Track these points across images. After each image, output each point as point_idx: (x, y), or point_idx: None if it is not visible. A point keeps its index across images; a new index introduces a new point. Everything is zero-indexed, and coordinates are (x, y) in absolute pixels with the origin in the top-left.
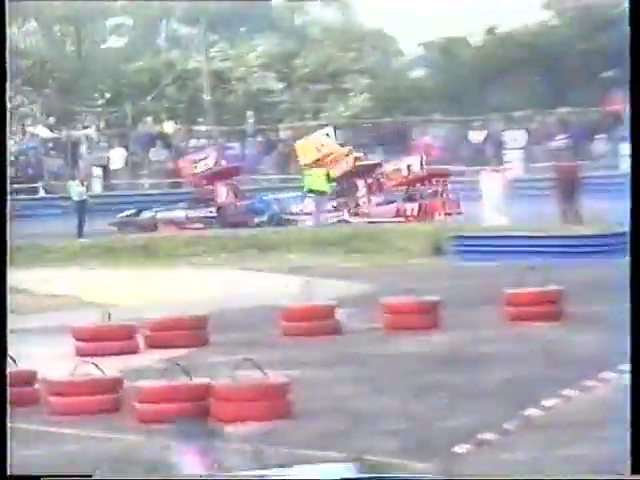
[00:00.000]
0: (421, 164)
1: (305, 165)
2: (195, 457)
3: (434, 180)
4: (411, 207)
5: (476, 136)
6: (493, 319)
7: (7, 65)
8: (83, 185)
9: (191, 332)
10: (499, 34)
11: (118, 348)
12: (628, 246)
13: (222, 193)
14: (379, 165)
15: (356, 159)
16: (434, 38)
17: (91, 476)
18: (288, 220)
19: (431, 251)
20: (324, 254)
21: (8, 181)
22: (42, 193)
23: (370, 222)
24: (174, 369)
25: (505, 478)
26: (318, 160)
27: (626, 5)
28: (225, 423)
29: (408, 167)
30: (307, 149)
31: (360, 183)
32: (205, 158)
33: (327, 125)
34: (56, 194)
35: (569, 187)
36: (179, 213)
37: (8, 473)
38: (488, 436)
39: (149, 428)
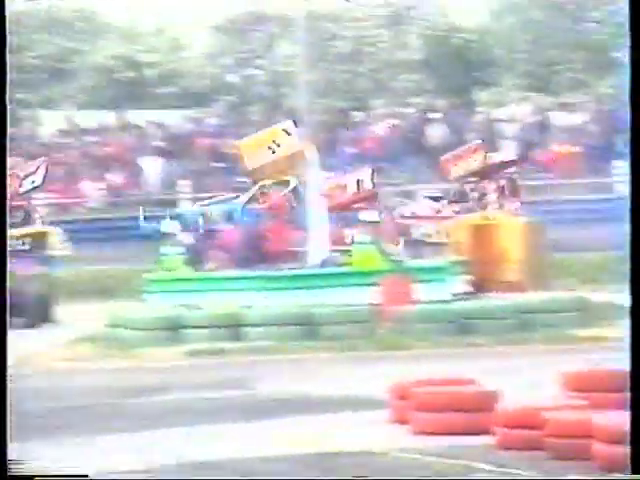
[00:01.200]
0: (372, 178)
1: (253, 170)
2: None
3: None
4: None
5: None
6: None
7: (7, 65)
8: None
9: None
10: None
11: None
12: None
13: None
14: (515, 162)
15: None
16: None
17: (87, 476)
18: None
19: None
20: None
21: (8, 181)
22: None
23: None
24: None
25: (504, 478)
26: (272, 165)
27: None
28: None
29: (358, 183)
30: (255, 148)
31: (490, 186)
32: None
33: None
34: None
35: None
36: None
37: (8, 473)
38: None
39: None
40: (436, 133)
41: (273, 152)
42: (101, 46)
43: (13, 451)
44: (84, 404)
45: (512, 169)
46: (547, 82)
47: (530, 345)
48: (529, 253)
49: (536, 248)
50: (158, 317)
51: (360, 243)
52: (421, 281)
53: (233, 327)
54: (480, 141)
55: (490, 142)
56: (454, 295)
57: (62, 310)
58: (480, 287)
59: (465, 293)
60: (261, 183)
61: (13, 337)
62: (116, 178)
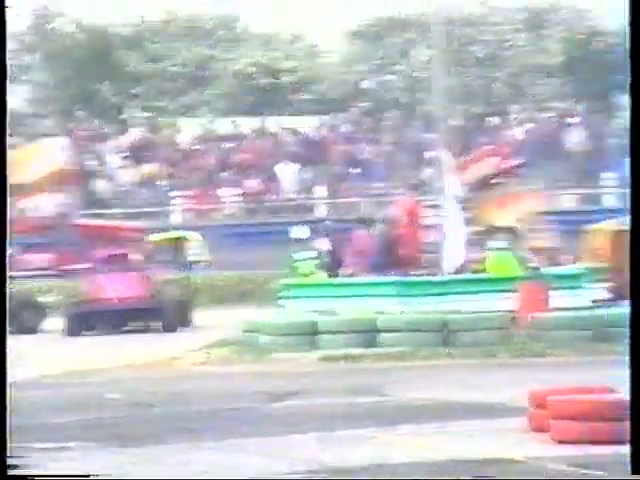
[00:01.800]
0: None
1: (21, 185)
2: None
3: None
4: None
5: None
6: None
7: (7, 64)
8: None
9: None
10: None
11: None
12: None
13: None
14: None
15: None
16: None
17: (89, 476)
18: None
19: None
20: None
21: (8, 180)
22: None
23: None
24: None
25: (502, 478)
26: (45, 180)
27: (626, 5)
28: None
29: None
30: (21, 164)
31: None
32: None
33: None
34: None
35: None
36: None
37: (8, 473)
38: None
39: None
40: (574, 138)
41: (37, 169)
42: (240, 53)
43: (160, 452)
44: (220, 408)
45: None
46: None
47: None
48: None
49: None
50: (293, 322)
51: (496, 249)
52: (558, 288)
53: (367, 333)
54: (492, 146)
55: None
56: (593, 302)
57: (200, 314)
58: (621, 294)
59: (605, 300)
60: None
61: (151, 340)
62: (253, 184)
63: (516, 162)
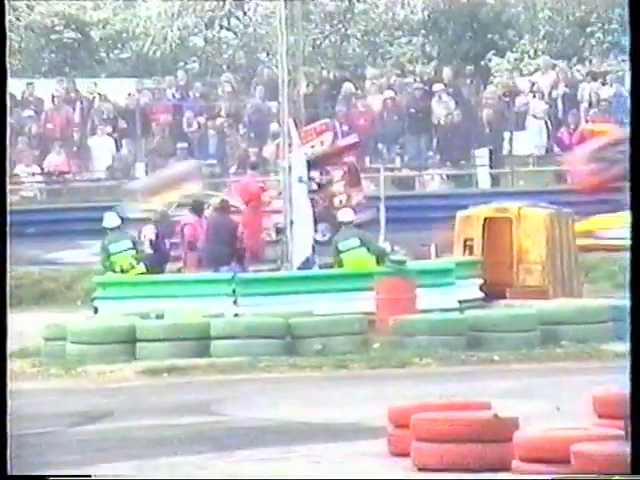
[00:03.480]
0: None
1: None
2: None
3: None
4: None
5: None
6: None
7: (7, 63)
8: None
9: None
10: None
11: None
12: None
13: None
14: (357, 146)
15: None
16: None
17: (90, 476)
18: None
19: None
20: None
21: (8, 179)
22: None
23: None
24: None
25: (510, 478)
26: None
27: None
28: None
29: None
30: None
31: (337, 172)
32: None
33: None
34: None
35: None
36: None
37: (8, 473)
38: None
39: None
40: (442, 108)
41: None
42: (37, 1)
43: None
44: (18, 433)
45: (352, 154)
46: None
47: (554, 362)
48: (554, 251)
49: (562, 245)
50: (108, 328)
51: (350, 247)
52: (423, 286)
53: (197, 340)
54: (328, 120)
55: (505, 118)
56: (462, 302)
57: None
58: (494, 293)
59: (476, 300)
60: None
61: None
62: (57, 160)
63: (351, 141)
